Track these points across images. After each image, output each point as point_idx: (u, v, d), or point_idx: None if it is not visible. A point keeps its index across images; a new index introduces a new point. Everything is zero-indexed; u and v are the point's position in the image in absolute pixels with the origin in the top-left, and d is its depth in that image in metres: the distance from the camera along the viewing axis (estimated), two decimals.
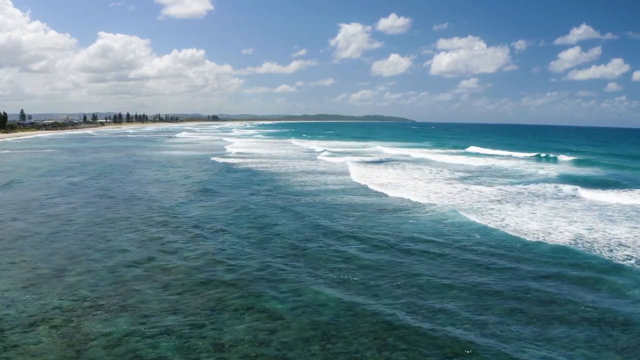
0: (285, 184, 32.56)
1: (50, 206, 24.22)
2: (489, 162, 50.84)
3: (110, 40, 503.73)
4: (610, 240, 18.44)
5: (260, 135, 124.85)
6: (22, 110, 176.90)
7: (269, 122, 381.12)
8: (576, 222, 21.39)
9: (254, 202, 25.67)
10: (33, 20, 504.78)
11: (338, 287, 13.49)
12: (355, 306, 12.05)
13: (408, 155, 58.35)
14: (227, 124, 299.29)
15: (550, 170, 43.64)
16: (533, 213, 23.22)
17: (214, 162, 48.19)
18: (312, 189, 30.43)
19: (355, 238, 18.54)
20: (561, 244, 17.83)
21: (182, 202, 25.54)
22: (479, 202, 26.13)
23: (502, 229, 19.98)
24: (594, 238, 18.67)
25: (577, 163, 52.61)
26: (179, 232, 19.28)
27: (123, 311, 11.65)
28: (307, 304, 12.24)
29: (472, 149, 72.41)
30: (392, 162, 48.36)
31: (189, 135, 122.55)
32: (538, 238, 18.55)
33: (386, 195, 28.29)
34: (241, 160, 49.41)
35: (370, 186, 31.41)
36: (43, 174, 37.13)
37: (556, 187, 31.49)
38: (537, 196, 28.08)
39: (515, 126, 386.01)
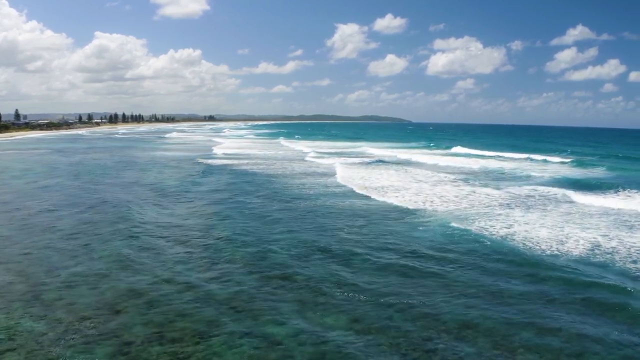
0: (267, 187, 32.05)
1: (12, 210, 23.63)
2: (480, 163, 50.37)
3: (107, 40, 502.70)
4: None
5: (251, 136, 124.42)
6: (16, 110, 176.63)
7: (265, 123, 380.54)
8: (589, 229, 20.56)
9: (231, 207, 24.84)
10: (29, 20, 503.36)
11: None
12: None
13: (395, 156, 57.99)
14: (222, 124, 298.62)
15: (543, 171, 43.30)
16: (527, 218, 22.67)
17: (198, 163, 47.72)
18: (295, 192, 29.98)
19: (341, 250, 17.56)
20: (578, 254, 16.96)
21: (152, 207, 24.96)
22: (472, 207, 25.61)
23: (492, 236, 19.28)
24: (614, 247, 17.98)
25: (571, 164, 52.19)
26: (149, 244, 17.78)
27: (103, 339, 10.58)
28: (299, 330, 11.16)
29: (459, 149, 72.33)
30: (380, 164, 47.84)
31: (180, 136, 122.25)
32: (552, 249, 17.54)
33: (371, 199, 27.70)
34: (227, 162, 48.96)
35: (357, 189, 30.67)
36: (16, 176, 36.60)
37: (548, 190, 30.88)
38: (525, 200, 27.69)
39: (511, 127, 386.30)
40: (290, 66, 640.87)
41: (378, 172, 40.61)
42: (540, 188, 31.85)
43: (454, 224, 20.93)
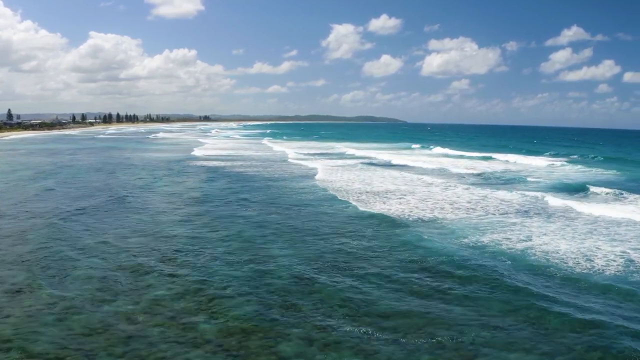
0: (240, 187, 32.60)
1: None
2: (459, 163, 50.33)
3: (101, 40, 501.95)
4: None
5: (237, 136, 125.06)
6: (9, 110, 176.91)
7: (258, 123, 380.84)
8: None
9: (196, 213, 24.20)
10: (24, 20, 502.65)
11: None
12: None
13: (374, 158, 58.23)
14: (214, 125, 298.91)
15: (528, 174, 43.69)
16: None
17: (175, 164, 48.25)
18: (270, 192, 30.57)
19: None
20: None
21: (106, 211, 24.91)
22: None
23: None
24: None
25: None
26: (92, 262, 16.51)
27: None
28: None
29: (438, 149, 72.86)
30: (359, 165, 48.37)
31: (165, 136, 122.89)
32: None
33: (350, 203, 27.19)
34: (204, 163, 49.44)
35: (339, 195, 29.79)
36: None
37: (523, 194, 30.24)
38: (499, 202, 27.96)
39: (505, 127, 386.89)
40: (285, 66, 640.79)
41: (355, 174, 40.93)
42: (532, 194, 31.94)
43: (466, 236, 20.99)
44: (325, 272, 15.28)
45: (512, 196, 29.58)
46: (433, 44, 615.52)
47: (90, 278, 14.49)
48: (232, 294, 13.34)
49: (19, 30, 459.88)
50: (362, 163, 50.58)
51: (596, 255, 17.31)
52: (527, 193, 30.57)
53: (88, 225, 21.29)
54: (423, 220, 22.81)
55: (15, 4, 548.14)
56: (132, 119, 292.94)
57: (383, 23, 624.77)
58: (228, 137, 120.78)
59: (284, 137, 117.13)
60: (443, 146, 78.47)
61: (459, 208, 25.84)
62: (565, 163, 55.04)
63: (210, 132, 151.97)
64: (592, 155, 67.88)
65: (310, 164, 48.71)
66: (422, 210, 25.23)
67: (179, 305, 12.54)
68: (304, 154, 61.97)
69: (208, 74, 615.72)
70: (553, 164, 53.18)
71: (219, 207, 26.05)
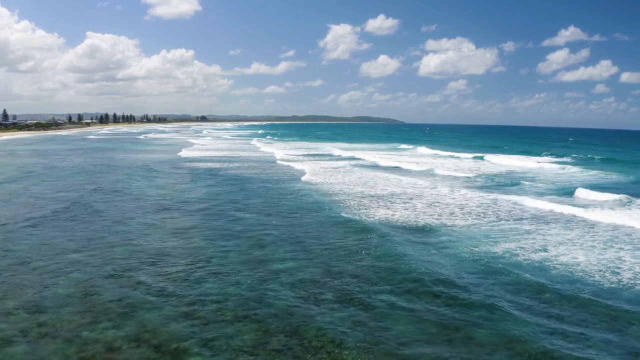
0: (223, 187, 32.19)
1: None
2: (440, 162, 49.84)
3: (98, 40, 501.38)
4: None
5: (227, 136, 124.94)
6: (4, 110, 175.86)
7: (254, 123, 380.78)
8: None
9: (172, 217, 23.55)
10: (21, 20, 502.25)
11: None
12: None
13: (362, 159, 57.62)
14: (209, 125, 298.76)
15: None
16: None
17: (157, 165, 47.79)
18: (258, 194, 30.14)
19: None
20: None
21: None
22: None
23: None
24: None
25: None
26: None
27: None
28: None
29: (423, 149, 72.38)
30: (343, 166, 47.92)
31: (157, 136, 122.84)
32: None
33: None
34: (189, 164, 49.03)
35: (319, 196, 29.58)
36: None
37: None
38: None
39: (504, 127, 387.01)
40: (283, 67, 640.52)
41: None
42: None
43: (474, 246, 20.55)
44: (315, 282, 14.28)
45: (524, 200, 28.44)
46: (430, 44, 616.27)
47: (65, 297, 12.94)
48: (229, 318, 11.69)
49: (16, 31, 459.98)
50: (350, 165, 49.90)
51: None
52: (524, 197, 29.55)
53: (46, 236, 19.80)
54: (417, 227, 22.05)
55: (13, 4, 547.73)
56: (129, 119, 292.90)
57: (380, 23, 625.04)
58: (219, 137, 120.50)
59: (275, 138, 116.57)
60: (436, 146, 77.74)
61: (467, 213, 24.92)
62: (568, 165, 53.53)
63: (202, 133, 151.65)
64: (598, 157, 66.49)
65: (298, 165, 48.06)
66: (430, 215, 24.22)
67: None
68: (297, 155, 61.36)
69: (205, 74, 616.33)
70: (563, 167, 51.00)
71: (187, 214, 25.28)
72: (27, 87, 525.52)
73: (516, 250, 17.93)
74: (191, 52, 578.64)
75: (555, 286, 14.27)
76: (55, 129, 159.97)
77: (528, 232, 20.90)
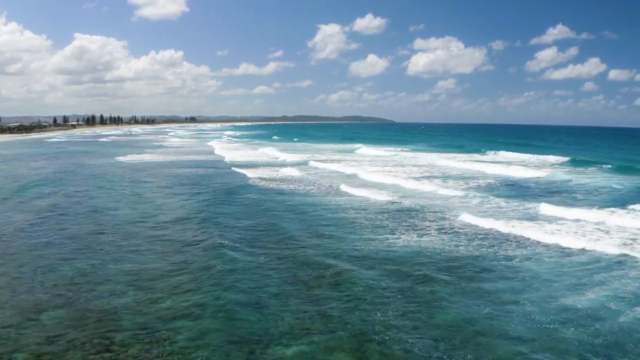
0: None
1: None
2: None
3: (86, 42, 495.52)
4: None
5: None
6: None
7: (242, 124, 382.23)
8: None
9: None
10: (9, 22, 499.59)
11: None
12: None
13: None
14: (200, 126, 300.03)
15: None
16: None
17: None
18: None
19: None
20: None
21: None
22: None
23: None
24: None
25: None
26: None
27: None
28: None
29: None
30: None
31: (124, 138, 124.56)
32: None
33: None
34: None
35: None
36: None
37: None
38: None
39: (492, 126, 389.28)
40: (271, 67, 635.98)
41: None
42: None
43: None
44: None
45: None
46: (419, 43, 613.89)
47: None
48: None
49: (4, 33, 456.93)
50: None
51: None
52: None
53: None
54: None
55: (0, 6, 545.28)
56: (116, 120, 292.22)
57: (368, 23, 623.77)
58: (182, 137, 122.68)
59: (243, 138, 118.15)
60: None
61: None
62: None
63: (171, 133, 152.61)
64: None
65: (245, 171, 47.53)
66: None
67: None
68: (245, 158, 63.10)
69: (194, 75, 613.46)
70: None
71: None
72: (16, 89, 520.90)
73: None
74: (180, 53, 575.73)
75: None
76: (39, 132, 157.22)
77: None
